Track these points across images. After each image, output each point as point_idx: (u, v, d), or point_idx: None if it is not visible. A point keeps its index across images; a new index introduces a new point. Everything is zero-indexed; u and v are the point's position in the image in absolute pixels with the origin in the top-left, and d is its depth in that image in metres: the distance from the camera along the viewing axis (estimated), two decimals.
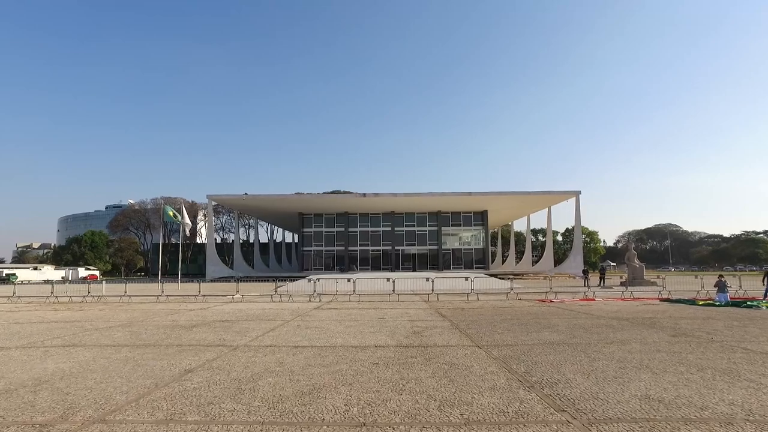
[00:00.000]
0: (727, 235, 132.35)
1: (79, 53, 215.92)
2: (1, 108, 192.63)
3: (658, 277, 20.31)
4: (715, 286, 16.28)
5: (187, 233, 40.25)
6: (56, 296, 19.59)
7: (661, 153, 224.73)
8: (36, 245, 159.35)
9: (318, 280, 20.45)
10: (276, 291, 19.36)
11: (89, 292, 19.86)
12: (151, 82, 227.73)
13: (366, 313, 13.42)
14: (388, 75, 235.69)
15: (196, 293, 20.09)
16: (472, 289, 19.13)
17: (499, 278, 32.34)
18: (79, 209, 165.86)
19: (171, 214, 32.62)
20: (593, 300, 17.91)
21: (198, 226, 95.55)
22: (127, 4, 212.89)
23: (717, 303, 15.00)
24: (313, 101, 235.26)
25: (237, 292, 19.71)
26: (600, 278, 31.77)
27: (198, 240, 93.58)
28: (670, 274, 23.40)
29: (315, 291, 19.36)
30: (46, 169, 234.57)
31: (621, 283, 30.82)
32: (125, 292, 19.80)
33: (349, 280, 19.72)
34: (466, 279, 19.72)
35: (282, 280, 26.73)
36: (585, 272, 32.05)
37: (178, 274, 35.07)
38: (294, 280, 27.39)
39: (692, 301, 16.10)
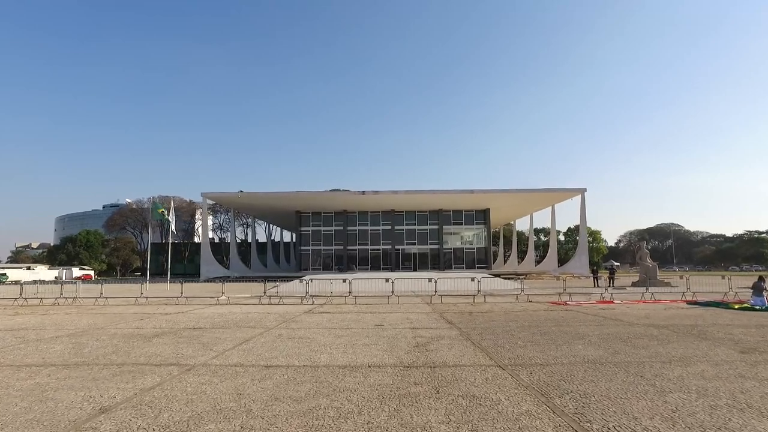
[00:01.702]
0: (729, 234, 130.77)
1: (79, 53, 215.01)
2: (1, 108, 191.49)
3: (681, 277, 18.66)
4: (752, 287, 14.68)
5: (174, 231, 38.63)
6: (25, 298, 17.98)
7: (661, 153, 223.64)
8: (35, 245, 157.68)
9: (311, 280, 18.83)
10: (265, 293, 17.75)
11: (62, 294, 18.24)
12: (151, 82, 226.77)
13: (362, 318, 11.82)
14: (388, 75, 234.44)
15: (179, 295, 18.48)
16: (478, 291, 17.52)
17: (504, 278, 30.73)
18: (79, 209, 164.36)
19: (160, 211, 31.07)
20: (612, 302, 16.30)
21: (196, 225, 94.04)
22: (127, 4, 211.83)
23: (757, 307, 13.38)
24: (313, 101, 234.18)
25: (223, 293, 18.10)
26: (609, 278, 30.16)
27: (196, 239, 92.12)
28: (683, 274, 21.79)
29: (307, 292, 17.74)
30: (46, 169, 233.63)
31: (633, 283, 29.23)
32: (101, 293, 18.19)
33: (344, 280, 18.10)
34: (473, 279, 18.11)
35: (278, 281, 25.17)
36: (595, 271, 30.41)
37: (168, 274, 33.51)
38: (290, 281, 25.78)
39: (725, 305, 14.47)
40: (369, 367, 5.87)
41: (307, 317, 12.20)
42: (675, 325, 9.76)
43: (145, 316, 13.01)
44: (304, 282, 18.31)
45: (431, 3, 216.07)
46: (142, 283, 19.20)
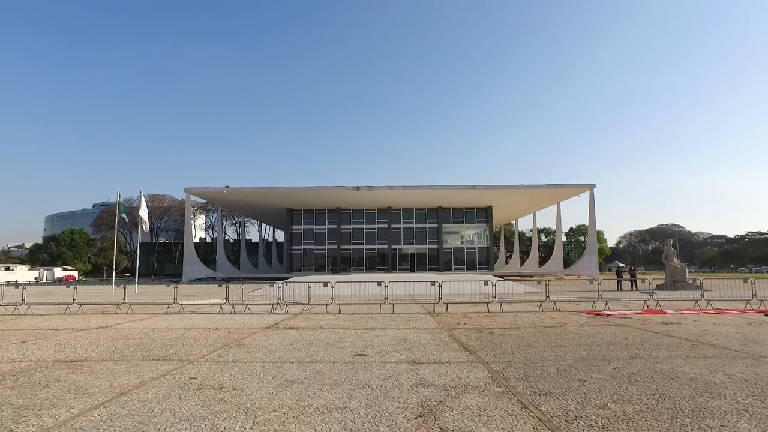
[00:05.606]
0: (730, 235, 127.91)
1: (79, 53, 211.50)
2: (0, 108, 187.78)
3: (745, 280, 15.25)
4: None
5: (145, 229, 34.98)
6: None
7: (659, 154, 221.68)
8: (28, 245, 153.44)
9: (286, 284, 15.29)
10: (227, 299, 14.16)
11: None
12: (151, 82, 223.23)
13: (339, 338, 8.28)
14: (388, 75, 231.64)
15: (121, 301, 14.87)
16: (493, 297, 13.98)
17: (510, 281, 27.26)
18: (73, 209, 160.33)
19: (123, 215, 27.42)
20: (664, 313, 12.84)
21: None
22: (127, 4, 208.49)
23: None
24: (313, 101, 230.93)
25: (174, 300, 14.47)
26: (630, 281, 26.76)
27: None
28: (746, 276, 18.49)
29: (280, 299, 14.18)
30: (41, 168, 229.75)
31: (658, 286, 25.84)
32: (23, 299, 14.55)
33: (326, 284, 14.54)
34: (486, 283, 14.58)
35: (265, 282, 21.70)
36: (619, 273, 26.94)
37: (136, 276, 29.88)
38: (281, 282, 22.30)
39: None
40: None
41: (262, 337, 8.64)
42: None
43: (45, 334, 9.43)
44: (276, 286, 14.73)
45: (432, 3, 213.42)
46: (73, 288, 15.58)
